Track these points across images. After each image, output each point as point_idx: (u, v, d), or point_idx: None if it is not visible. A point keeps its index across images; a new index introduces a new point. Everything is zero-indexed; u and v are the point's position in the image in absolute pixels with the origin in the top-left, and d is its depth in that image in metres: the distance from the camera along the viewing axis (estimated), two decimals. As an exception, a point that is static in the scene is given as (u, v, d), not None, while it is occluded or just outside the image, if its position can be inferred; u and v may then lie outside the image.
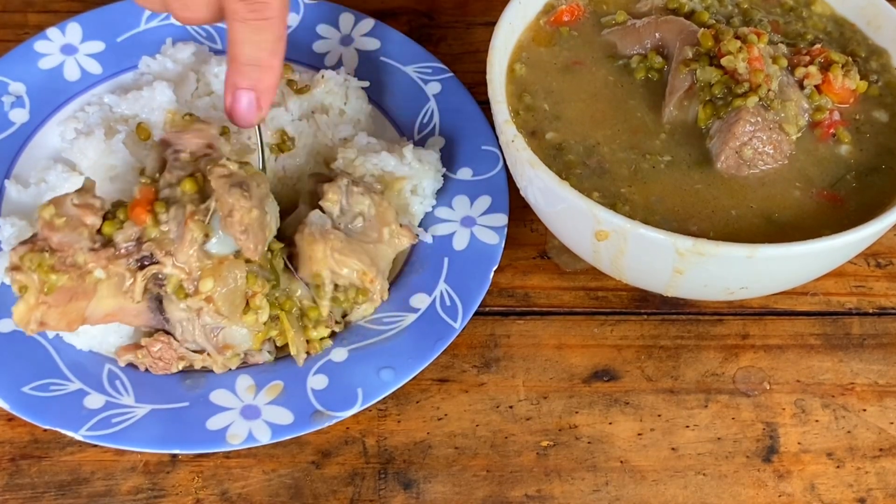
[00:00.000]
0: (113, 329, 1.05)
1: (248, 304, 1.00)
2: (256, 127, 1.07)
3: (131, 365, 1.04)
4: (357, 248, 1.05)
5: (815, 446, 1.05)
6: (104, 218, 0.99)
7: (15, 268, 0.95)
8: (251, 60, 0.99)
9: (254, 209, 0.98)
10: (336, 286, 1.05)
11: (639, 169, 1.03)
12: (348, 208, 1.07)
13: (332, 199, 1.06)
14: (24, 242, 0.97)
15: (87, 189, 1.00)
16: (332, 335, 1.07)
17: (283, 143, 1.16)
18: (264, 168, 1.10)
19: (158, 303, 1.00)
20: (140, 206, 0.98)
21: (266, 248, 1.01)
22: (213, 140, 1.05)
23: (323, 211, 1.07)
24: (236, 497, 1.00)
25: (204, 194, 0.99)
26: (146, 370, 1.03)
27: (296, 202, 1.12)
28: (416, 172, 1.14)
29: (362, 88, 1.23)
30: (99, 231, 0.98)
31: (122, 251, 0.98)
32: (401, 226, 1.09)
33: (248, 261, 1.00)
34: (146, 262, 0.98)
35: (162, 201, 0.99)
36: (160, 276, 0.98)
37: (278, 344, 1.05)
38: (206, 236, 0.98)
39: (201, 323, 1.00)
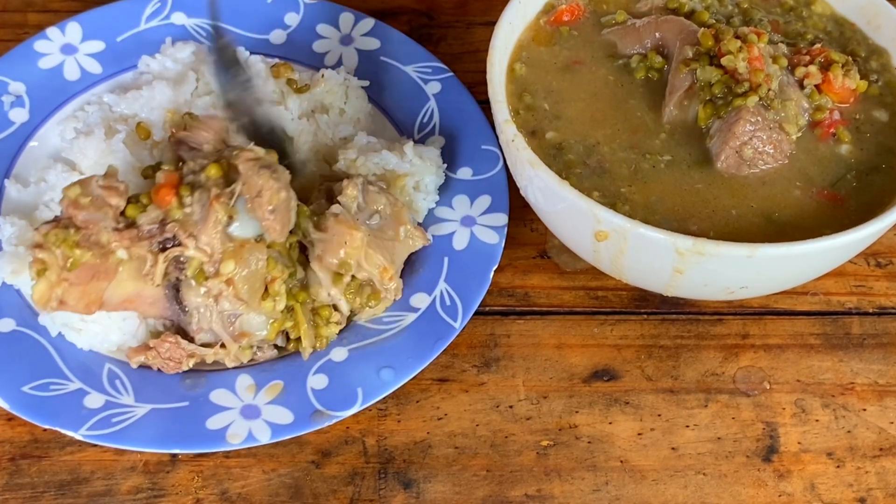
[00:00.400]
0: (115, 327, 1.05)
1: (266, 290, 1.01)
2: None
3: (143, 366, 1.04)
4: (381, 244, 1.05)
5: (815, 446, 1.05)
6: (128, 202, 1.00)
7: (38, 245, 0.97)
8: None
9: (282, 190, 0.99)
10: (352, 279, 1.05)
11: (639, 168, 1.03)
12: (365, 206, 1.07)
13: (351, 194, 1.07)
14: (47, 222, 0.98)
15: (111, 174, 1.01)
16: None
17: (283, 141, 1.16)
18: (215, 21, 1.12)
19: (176, 291, 1.01)
20: (165, 189, 1.00)
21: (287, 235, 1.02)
22: (223, 133, 1.06)
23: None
24: (236, 497, 1.00)
25: (228, 179, 1.01)
26: (159, 370, 1.03)
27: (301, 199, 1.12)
28: (418, 169, 1.14)
29: (362, 88, 1.24)
30: (123, 213, 1.00)
31: (146, 233, 0.99)
32: (414, 227, 1.10)
33: (268, 246, 1.01)
34: (168, 245, 0.99)
35: (187, 185, 1.00)
36: (181, 258, 0.99)
37: (292, 336, 1.05)
38: (230, 218, 0.99)
39: (219, 309, 1.01)
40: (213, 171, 1.00)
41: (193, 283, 1.00)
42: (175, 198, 0.99)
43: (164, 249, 0.99)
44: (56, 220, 0.99)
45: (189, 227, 0.99)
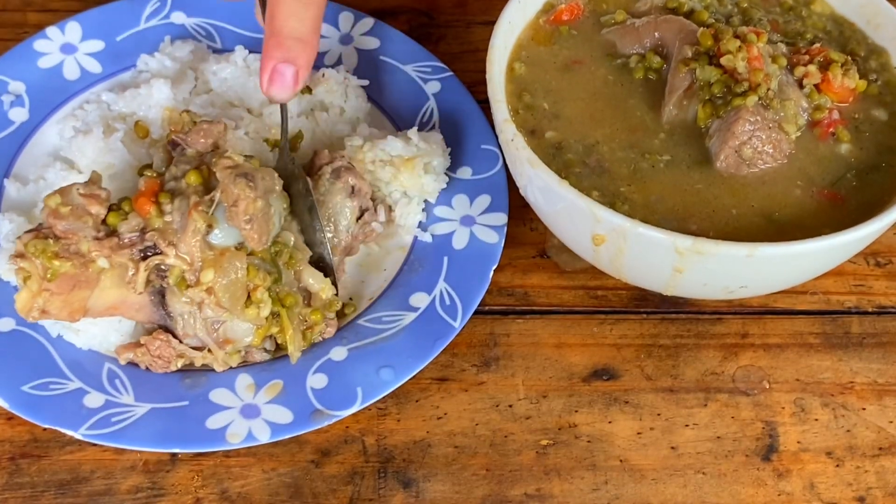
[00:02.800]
0: (113, 328, 1.05)
1: (249, 297, 1.01)
2: (281, 105, 1.09)
3: (132, 363, 1.04)
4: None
5: (814, 445, 1.05)
6: (109, 209, 1.00)
7: (19, 255, 0.97)
8: (296, 34, 0.99)
9: (258, 199, 0.99)
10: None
11: (638, 168, 1.03)
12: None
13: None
14: (29, 231, 0.98)
15: (93, 181, 1.01)
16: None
17: (279, 141, 1.16)
18: (286, 144, 1.11)
19: (161, 297, 1.01)
20: (144, 197, 1.00)
21: (270, 242, 1.02)
22: (220, 139, 1.06)
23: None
24: (236, 496, 1.00)
25: (209, 186, 1.00)
26: (147, 368, 1.03)
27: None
28: (425, 152, 1.15)
29: (361, 87, 1.24)
30: (104, 221, 1.00)
31: (126, 241, 0.99)
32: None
33: (250, 253, 1.00)
34: (149, 253, 0.99)
35: (167, 193, 1.00)
36: (163, 266, 0.99)
37: (279, 341, 1.05)
38: (210, 227, 0.99)
39: (203, 316, 1.00)
40: (193, 178, 1.00)
41: (176, 290, 1.00)
42: (154, 206, 0.99)
43: (145, 258, 0.99)
44: (37, 229, 0.98)
45: (169, 235, 0.98)
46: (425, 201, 1.16)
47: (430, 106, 1.23)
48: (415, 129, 1.17)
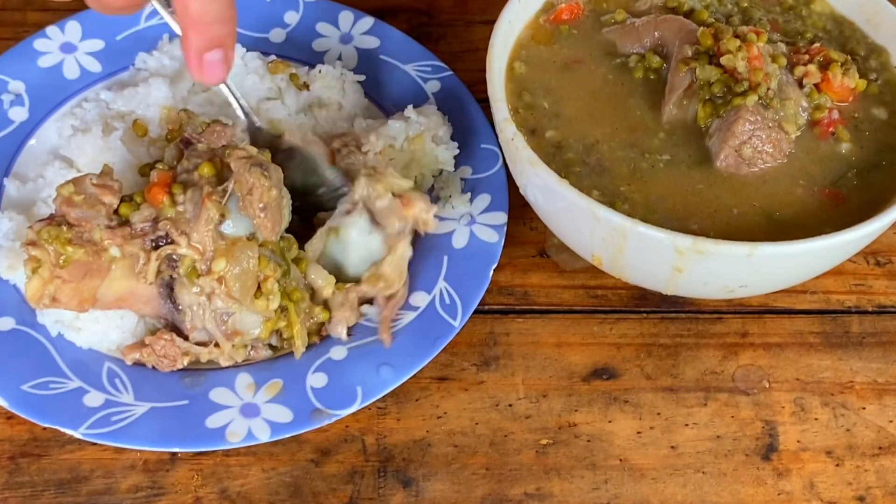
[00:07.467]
0: (115, 324, 1.05)
1: (259, 288, 1.01)
2: (226, 84, 1.11)
3: (138, 363, 1.04)
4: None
5: (814, 444, 1.05)
6: (121, 200, 1.01)
7: (31, 242, 0.97)
8: (218, 17, 0.94)
9: (273, 188, 0.99)
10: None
11: (638, 168, 1.03)
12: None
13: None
14: (42, 219, 0.99)
15: (105, 172, 1.02)
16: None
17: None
18: (248, 116, 1.13)
19: (169, 289, 1.01)
20: (157, 187, 1.00)
21: (280, 235, 1.02)
22: (231, 140, 1.07)
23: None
24: (236, 495, 1.00)
25: (221, 178, 1.01)
26: (153, 367, 1.03)
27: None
28: (427, 126, 1.16)
29: (358, 82, 1.24)
30: (116, 212, 1.00)
31: (138, 230, 0.99)
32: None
33: (261, 245, 1.01)
34: (161, 243, 0.99)
35: (179, 184, 1.01)
36: (174, 256, 0.99)
37: (285, 336, 1.05)
38: (222, 216, 1.00)
39: (212, 308, 1.01)
40: (206, 170, 1.01)
41: (186, 281, 1.00)
42: (167, 196, 1.00)
43: (156, 247, 1.00)
44: (50, 217, 0.99)
45: (181, 224, 0.99)
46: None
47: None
48: (410, 106, 1.17)
